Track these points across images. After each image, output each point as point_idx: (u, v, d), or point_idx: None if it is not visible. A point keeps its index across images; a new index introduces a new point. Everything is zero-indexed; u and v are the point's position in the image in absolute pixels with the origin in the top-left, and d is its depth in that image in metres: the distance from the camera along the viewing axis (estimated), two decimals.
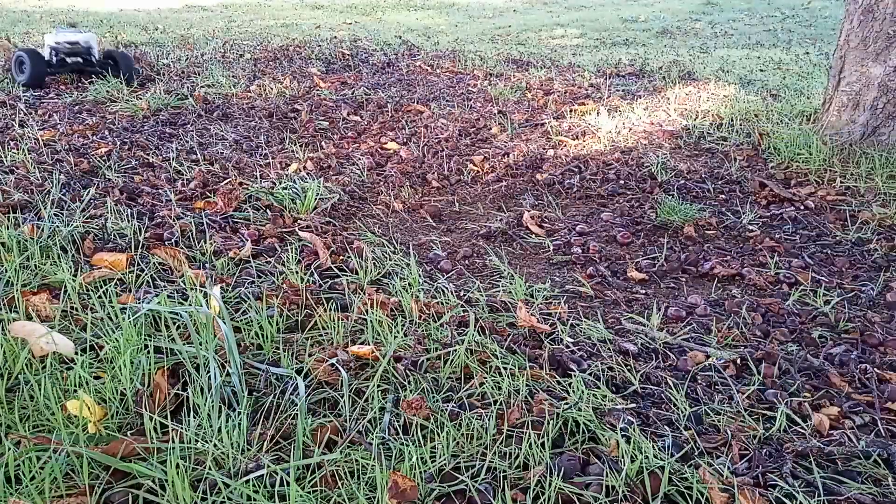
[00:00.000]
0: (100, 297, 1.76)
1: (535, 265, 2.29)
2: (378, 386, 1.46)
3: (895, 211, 2.60)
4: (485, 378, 1.51)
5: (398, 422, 1.37)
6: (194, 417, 1.32)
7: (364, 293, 1.86)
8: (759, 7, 10.73)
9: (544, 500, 1.19)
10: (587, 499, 1.20)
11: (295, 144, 3.38)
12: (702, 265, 2.23)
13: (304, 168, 3.01)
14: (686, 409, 1.46)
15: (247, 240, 2.20)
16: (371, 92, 4.56)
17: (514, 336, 1.71)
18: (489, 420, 1.36)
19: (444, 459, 1.27)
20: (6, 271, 1.84)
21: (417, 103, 4.31)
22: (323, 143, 3.45)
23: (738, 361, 1.66)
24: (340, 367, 1.49)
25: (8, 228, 2.05)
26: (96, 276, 1.88)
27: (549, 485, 1.20)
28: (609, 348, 1.69)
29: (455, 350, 1.57)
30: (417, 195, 2.86)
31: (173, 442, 1.25)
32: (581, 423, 1.37)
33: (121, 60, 4.46)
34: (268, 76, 4.99)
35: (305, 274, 1.97)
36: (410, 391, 1.47)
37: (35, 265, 1.92)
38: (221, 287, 1.84)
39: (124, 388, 1.40)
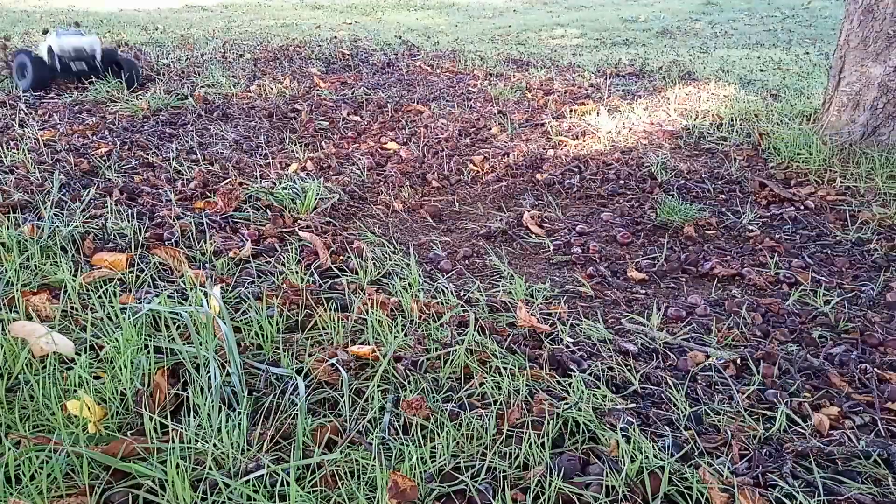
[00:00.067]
0: (100, 297, 1.76)
1: (535, 265, 2.29)
2: (378, 386, 1.46)
3: (895, 211, 2.60)
4: (485, 378, 1.51)
5: (398, 422, 1.37)
6: (194, 417, 1.32)
7: (364, 293, 1.86)
8: (759, 7, 10.73)
9: (544, 500, 1.19)
10: (587, 499, 1.20)
11: (295, 144, 3.38)
12: (702, 265, 2.23)
13: (304, 168, 3.01)
14: (686, 409, 1.46)
15: (247, 240, 2.20)
16: (371, 92, 4.56)
17: (514, 336, 1.71)
18: (489, 420, 1.36)
19: (444, 459, 1.27)
20: (6, 271, 1.84)
21: (417, 103, 4.31)
22: (323, 143, 3.45)
23: (738, 361, 1.66)
24: (340, 367, 1.49)
25: (8, 228, 2.05)
26: (96, 276, 1.88)
27: (549, 485, 1.20)
28: (609, 348, 1.69)
29: (455, 350, 1.57)
30: (417, 195, 2.86)
31: (173, 442, 1.25)
32: (581, 423, 1.37)
33: (125, 65, 4.43)
34: (268, 76, 4.99)
35: (305, 274, 1.97)
36: (410, 391, 1.47)
37: (35, 265, 1.92)
38: (221, 287, 1.84)
39: (124, 388, 1.40)
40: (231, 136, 3.47)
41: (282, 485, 1.18)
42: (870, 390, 1.57)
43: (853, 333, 1.82)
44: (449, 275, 2.13)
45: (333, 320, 1.70)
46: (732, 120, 3.83)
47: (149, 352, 1.50)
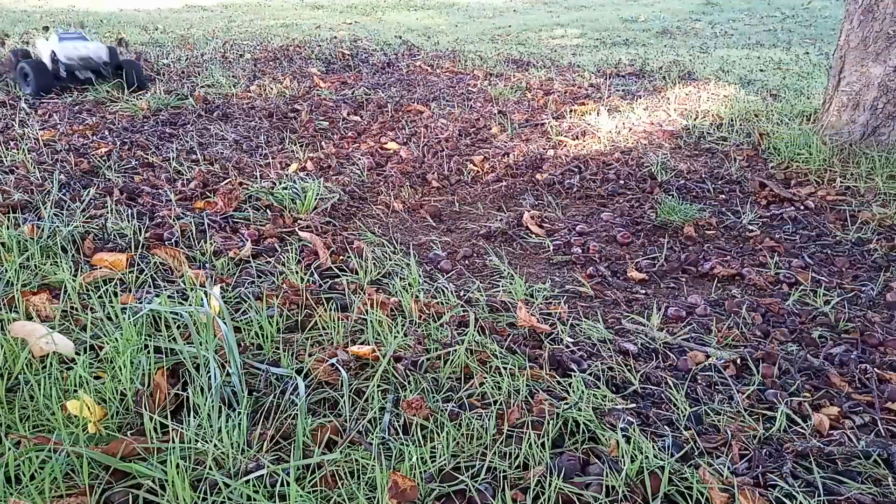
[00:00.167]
0: (100, 297, 1.76)
1: (535, 265, 2.29)
2: (378, 386, 1.46)
3: (895, 211, 2.60)
4: (485, 378, 1.51)
5: (398, 422, 1.37)
6: (194, 417, 1.32)
7: (364, 293, 1.86)
8: (759, 7, 10.73)
9: (544, 500, 1.19)
10: (587, 499, 1.20)
11: (295, 144, 3.38)
12: (702, 265, 2.23)
13: (304, 168, 3.01)
14: (686, 409, 1.46)
15: (247, 240, 2.20)
16: (371, 92, 4.56)
17: (514, 336, 1.71)
18: (489, 420, 1.36)
19: (444, 459, 1.27)
20: (6, 271, 1.84)
21: (417, 103, 4.31)
22: (323, 143, 3.45)
23: (738, 361, 1.66)
24: (340, 367, 1.49)
25: (8, 228, 2.05)
26: (96, 276, 1.88)
27: (549, 485, 1.20)
28: (609, 348, 1.69)
29: (455, 350, 1.57)
30: (417, 195, 2.86)
31: (173, 442, 1.25)
32: (581, 423, 1.37)
33: (130, 69, 4.40)
34: (268, 76, 4.99)
35: (305, 274, 1.97)
36: (410, 391, 1.46)
37: (35, 265, 1.92)
38: (221, 287, 1.84)
39: (124, 388, 1.40)
40: (231, 136, 3.47)
41: (282, 485, 1.18)
42: (870, 390, 1.57)
43: (853, 333, 1.82)
44: (449, 275, 2.13)
45: (333, 320, 1.70)
46: (732, 120, 3.83)
47: (149, 352, 1.50)
